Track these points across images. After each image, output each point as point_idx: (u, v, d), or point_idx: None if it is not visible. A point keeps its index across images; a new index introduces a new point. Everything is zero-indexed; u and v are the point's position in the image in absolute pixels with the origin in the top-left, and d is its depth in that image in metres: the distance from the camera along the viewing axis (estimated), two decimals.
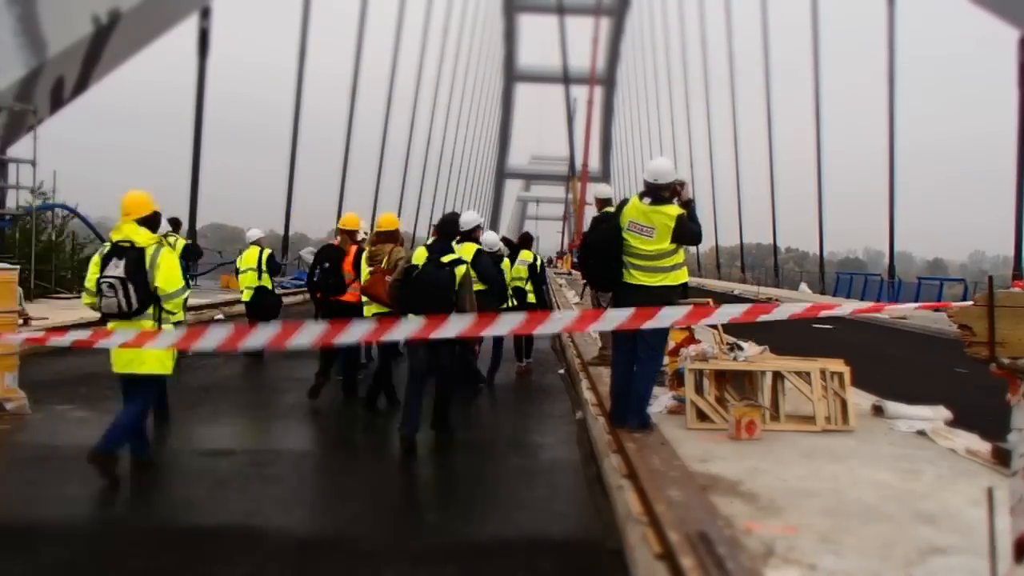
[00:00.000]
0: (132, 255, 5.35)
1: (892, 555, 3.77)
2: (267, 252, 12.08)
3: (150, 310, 5.42)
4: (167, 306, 5.48)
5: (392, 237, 8.37)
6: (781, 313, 4.75)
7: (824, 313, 5.18)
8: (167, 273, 5.42)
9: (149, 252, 5.41)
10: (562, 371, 10.92)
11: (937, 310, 23.10)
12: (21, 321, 9.55)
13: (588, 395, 8.16)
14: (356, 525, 4.86)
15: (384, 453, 6.87)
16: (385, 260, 8.05)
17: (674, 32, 64.56)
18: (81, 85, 19.66)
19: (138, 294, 5.31)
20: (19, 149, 18.95)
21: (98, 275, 5.42)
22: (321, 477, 6.08)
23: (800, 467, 5.40)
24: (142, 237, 5.45)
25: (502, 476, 6.19)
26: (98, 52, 19.43)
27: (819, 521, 4.24)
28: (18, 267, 8.27)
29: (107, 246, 5.53)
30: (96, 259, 5.51)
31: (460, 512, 5.21)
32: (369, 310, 8.16)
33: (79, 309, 13.18)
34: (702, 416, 6.60)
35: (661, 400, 7.33)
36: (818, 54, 40.13)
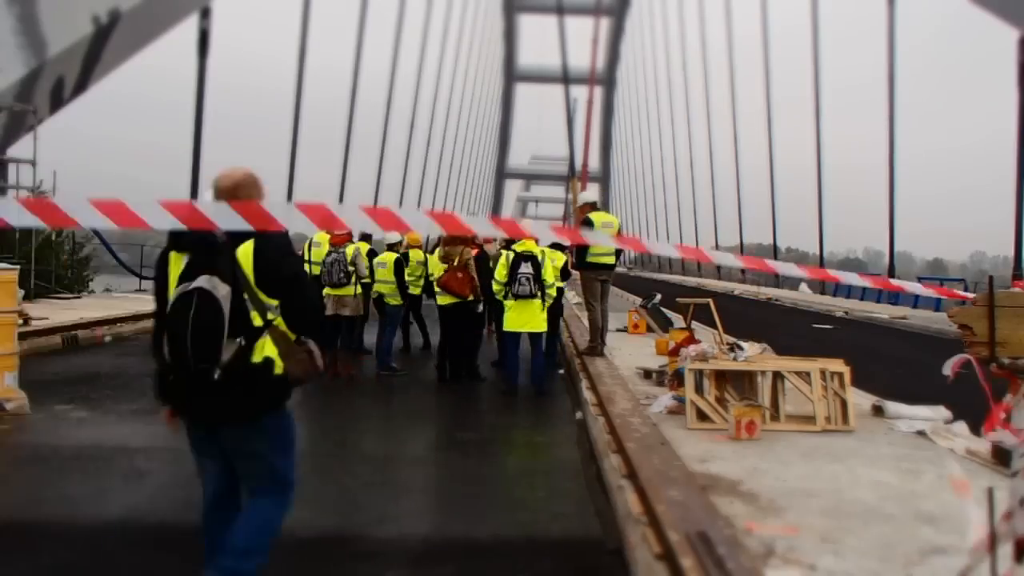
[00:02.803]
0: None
1: (892, 555, 3.77)
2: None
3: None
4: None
5: (461, 240, 9.80)
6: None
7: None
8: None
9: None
10: (562, 371, 10.93)
11: (939, 309, 23.10)
12: (21, 321, 9.55)
13: (588, 395, 8.16)
14: (356, 525, 4.86)
15: (384, 453, 6.87)
16: (457, 259, 9.69)
17: (674, 32, 64.64)
18: (81, 85, 19.66)
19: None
20: (19, 149, 18.95)
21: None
22: (321, 477, 6.07)
23: (800, 467, 5.40)
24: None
25: (502, 476, 6.19)
26: (98, 52, 19.43)
27: (819, 521, 4.24)
28: (18, 267, 8.27)
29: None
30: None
31: (460, 512, 5.21)
32: (443, 300, 9.93)
33: (79, 309, 13.18)
34: (702, 416, 6.60)
35: (661, 400, 7.33)
36: (818, 52, 40.18)
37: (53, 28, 17.98)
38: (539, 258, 9.00)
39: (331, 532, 4.73)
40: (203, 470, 3.60)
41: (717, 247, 66.83)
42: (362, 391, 8.34)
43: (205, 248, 3.27)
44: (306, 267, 11.07)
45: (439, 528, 4.86)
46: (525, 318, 9.04)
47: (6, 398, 7.31)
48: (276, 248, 3.33)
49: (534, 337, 9.27)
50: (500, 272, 9.12)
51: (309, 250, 10.74)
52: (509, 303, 9.11)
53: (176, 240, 3.36)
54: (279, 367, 3.33)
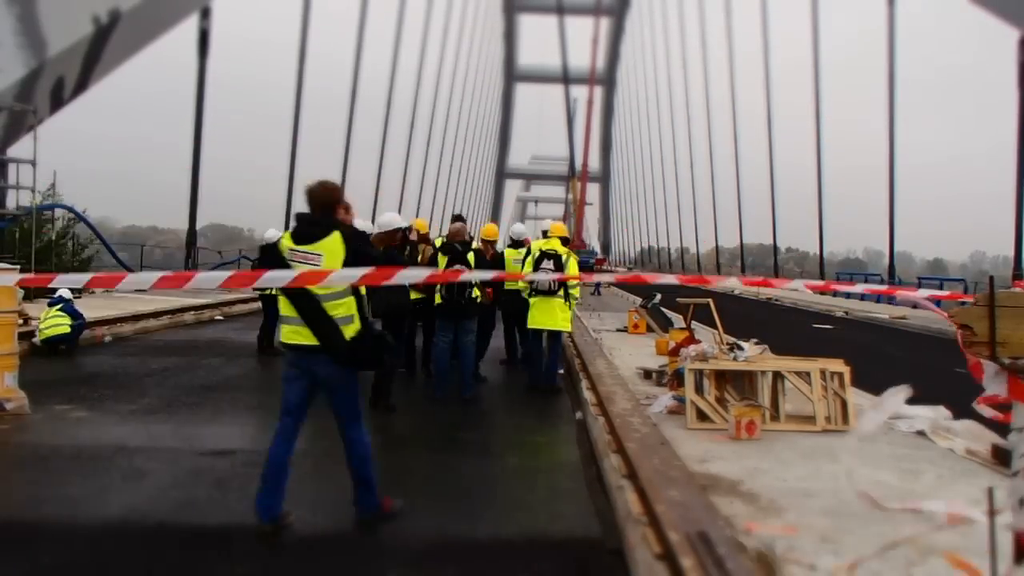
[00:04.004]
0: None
1: (892, 555, 3.77)
2: None
3: None
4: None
5: (466, 239, 10.01)
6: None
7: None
8: None
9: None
10: (562, 371, 10.92)
11: (939, 304, 23.09)
12: (21, 321, 9.56)
13: (588, 395, 8.16)
14: (356, 525, 4.86)
15: (384, 453, 6.86)
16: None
17: (674, 32, 64.63)
18: (81, 85, 19.67)
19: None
20: (19, 149, 18.97)
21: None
22: (321, 477, 6.08)
23: (800, 467, 5.40)
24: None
25: (502, 476, 6.19)
26: (98, 52, 19.44)
27: (819, 521, 4.24)
28: (18, 266, 8.27)
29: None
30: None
31: (460, 512, 5.21)
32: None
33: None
34: (702, 416, 6.60)
35: (661, 400, 7.33)
36: (818, 52, 40.19)
37: (53, 28, 17.99)
38: (563, 257, 9.28)
39: (331, 532, 4.73)
40: (445, 336, 8.89)
41: (717, 247, 66.89)
42: (362, 390, 8.32)
43: (454, 253, 8.71)
44: None
45: (439, 528, 4.86)
46: (546, 316, 9.33)
47: (6, 398, 7.32)
48: (478, 254, 8.99)
49: (552, 335, 9.50)
50: (526, 269, 9.54)
51: None
52: (533, 300, 9.42)
53: (444, 249, 8.89)
54: (480, 297, 8.91)
